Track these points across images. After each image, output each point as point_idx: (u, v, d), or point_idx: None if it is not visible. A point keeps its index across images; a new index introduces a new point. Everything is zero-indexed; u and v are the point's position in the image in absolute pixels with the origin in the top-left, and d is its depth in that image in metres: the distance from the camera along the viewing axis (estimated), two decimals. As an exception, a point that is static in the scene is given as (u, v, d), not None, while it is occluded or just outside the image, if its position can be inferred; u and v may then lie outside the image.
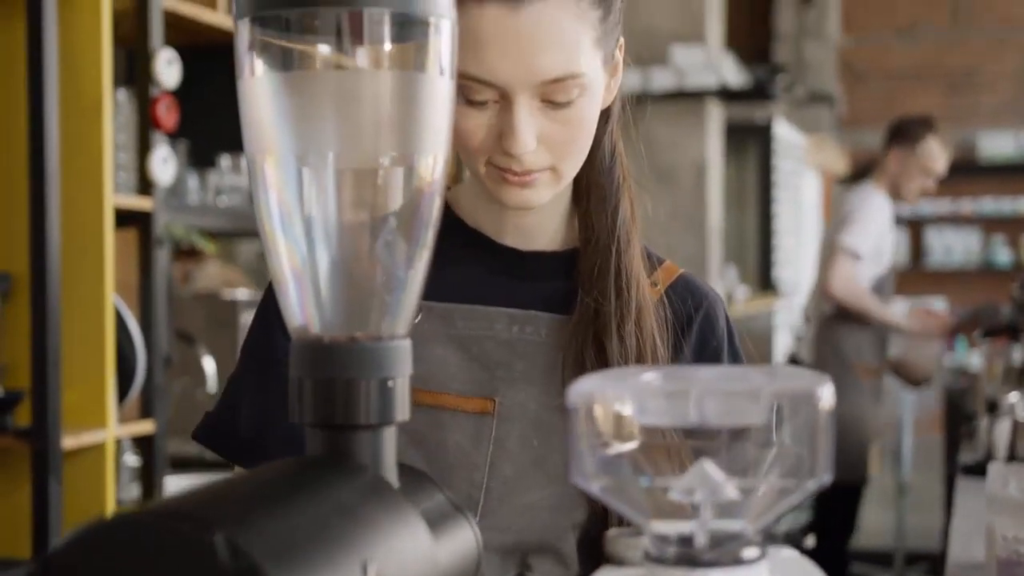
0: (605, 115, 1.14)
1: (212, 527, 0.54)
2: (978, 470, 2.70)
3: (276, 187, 0.71)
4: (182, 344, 2.86)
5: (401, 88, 0.72)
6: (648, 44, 5.28)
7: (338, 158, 0.71)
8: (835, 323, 3.97)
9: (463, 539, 0.74)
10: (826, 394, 0.61)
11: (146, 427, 2.60)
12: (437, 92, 0.72)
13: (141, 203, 2.54)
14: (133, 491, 2.83)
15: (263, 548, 0.55)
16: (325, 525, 0.61)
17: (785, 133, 6.72)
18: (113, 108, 2.47)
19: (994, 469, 1.77)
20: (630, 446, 0.65)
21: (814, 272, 8.09)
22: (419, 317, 1.05)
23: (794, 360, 4.40)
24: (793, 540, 4.49)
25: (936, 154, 3.80)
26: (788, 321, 6.66)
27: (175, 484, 2.68)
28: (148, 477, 2.66)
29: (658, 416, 0.63)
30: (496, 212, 1.13)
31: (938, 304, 9.49)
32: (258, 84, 0.71)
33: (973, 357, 7.95)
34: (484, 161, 1.05)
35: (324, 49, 0.84)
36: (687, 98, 5.21)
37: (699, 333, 1.13)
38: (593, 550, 1.07)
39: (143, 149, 2.54)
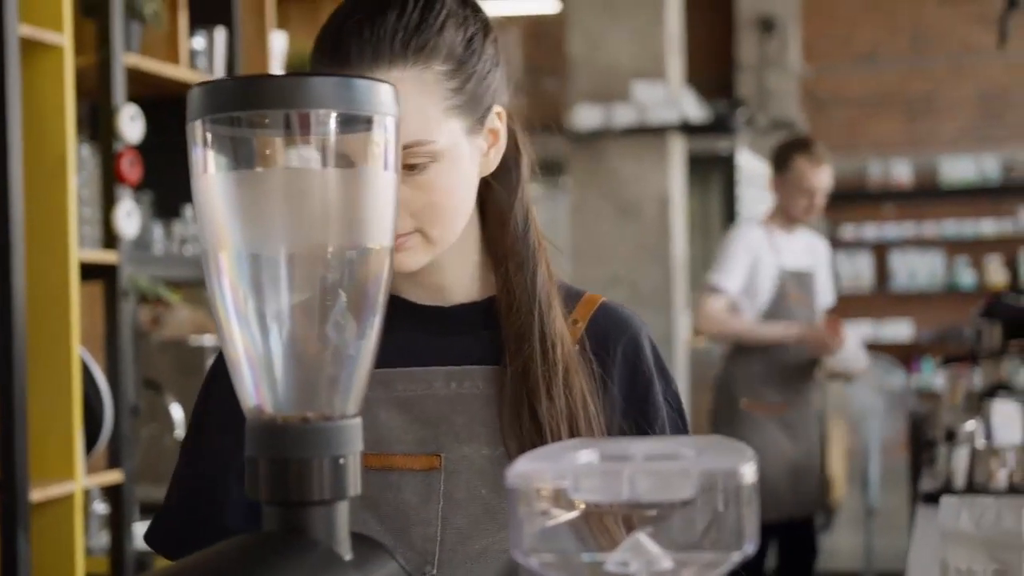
0: (511, 184, 1.18)
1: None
2: (937, 498, 2.74)
3: (230, 277, 0.75)
4: (149, 392, 2.88)
5: (347, 183, 0.76)
6: (610, 81, 5.36)
7: (289, 250, 0.75)
8: (727, 364, 3.95)
9: (413, 609, 0.78)
10: (748, 471, 0.65)
11: (114, 476, 2.62)
12: (382, 185, 0.76)
13: (106, 256, 2.57)
14: (103, 539, 2.84)
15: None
16: (277, 608, 0.64)
17: (748, 163, 6.81)
18: (77, 163, 2.50)
19: (946, 503, 1.80)
20: (568, 520, 0.68)
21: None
22: None
23: None
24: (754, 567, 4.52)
25: (806, 172, 3.79)
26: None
27: (144, 531, 2.69)
28: (117, 525, 2.68)
29: (593, 493, 0.67)
30: (409, 277, 1.16)
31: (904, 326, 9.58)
32: (212, 182, 0.75)
33: (937, 379, 8.04)
34: None
35: (274, 147, 0.89)
36: (649, 133, 5.29)
37: (625, 364, 1.16)
38: None
39: (107, 203, 2.57)
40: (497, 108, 1.14)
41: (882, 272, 9.65)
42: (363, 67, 1.05)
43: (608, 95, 5.34)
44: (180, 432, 2.84)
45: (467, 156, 1.11)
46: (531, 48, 9.72)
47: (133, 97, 2.65)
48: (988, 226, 9.38)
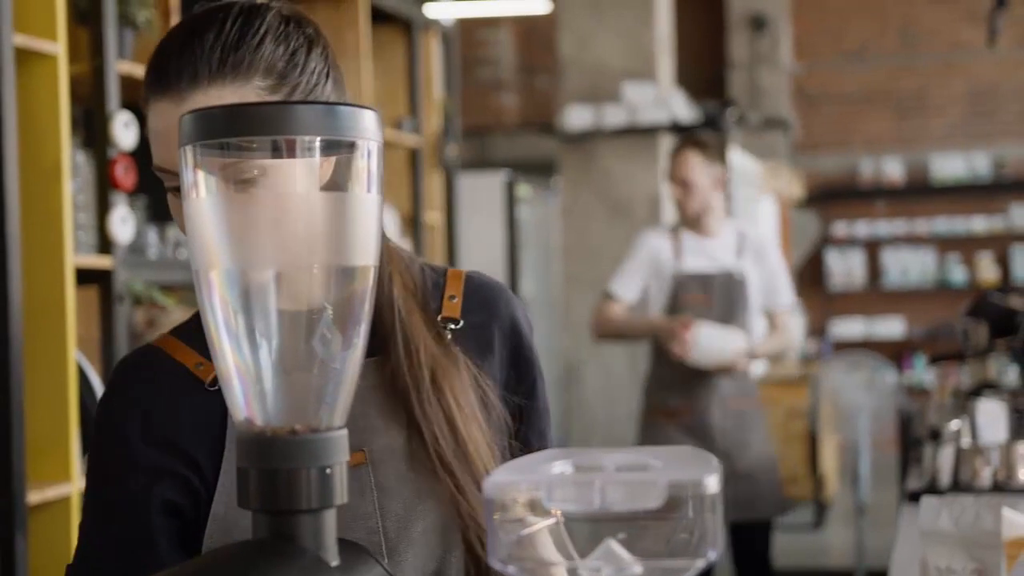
0: None
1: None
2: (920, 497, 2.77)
3: (220, 295, 0.79)
4: (145, 394, 2.91)
5: (332, 205, 0.80)
6: (600, 81, 5.40)
7: (277, 269, 0.79)
8: (647, 377, 3.94)
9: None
10: (713, 481, 0.69)
11: (111, 478, 2.65)
12: (366, 206, 0.80)
13: (101, 262, 2.60)
14: (99, 541, 2.87)
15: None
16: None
17: (739, 161, 6.84)
18: (72, 170, 2.53)
19: (926, 503, 1.83)
20: (541, 528, 0.72)
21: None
22: None
23: None
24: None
25: (672, 162, 3.83)
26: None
27: None
28: (114, 527, 2.71)
29: (566, 503, 0.70)
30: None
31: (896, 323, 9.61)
32: (203, 204, 0.78)
33: (928, 376, 8.09)
34: None
35: (262, 171, 0.92)
36: (640, 133, 5.33)
37: (505, 325, 1.23)
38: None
39: (102, 209, 2.60)
40: None
41: (874, 269, 9.70)
42: (182, 86, 1.06)
43: (599, 96, 5.38)
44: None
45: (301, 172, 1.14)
46: (523, 47, 9.75)
47: (127, 104, 2.68)
48: (979, 223, 9.43)
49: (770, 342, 3.94)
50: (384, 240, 1.19)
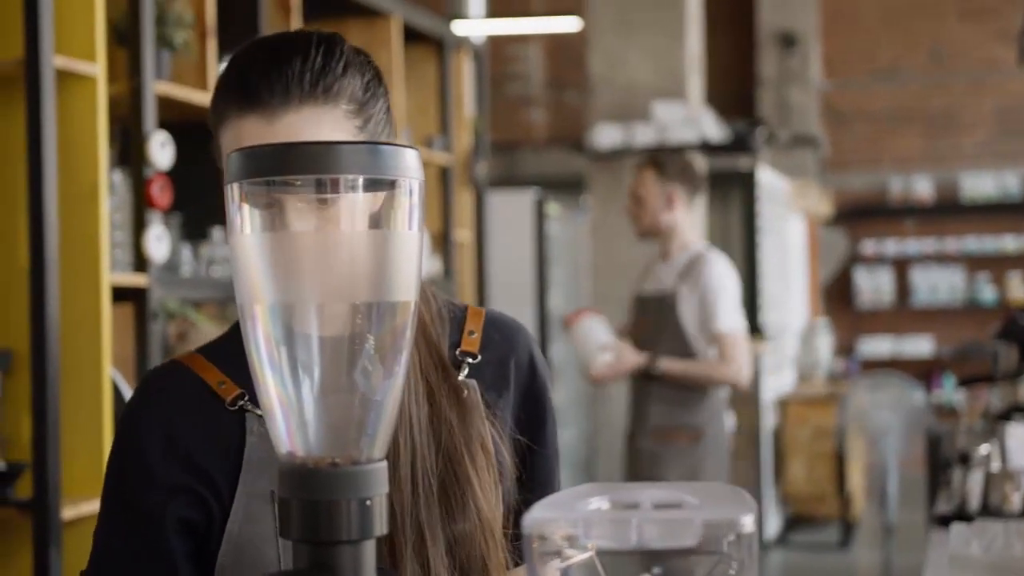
0: None
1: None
2: (949, 522, 2.76)
3: (264, 329, 0.80)
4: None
5: (375, 242, 0.81)
6: (630, 100, 5.41)
7: (320, 304, 0.80)
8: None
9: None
10: (748, 520, 0.70)
11: (143, 494, 2.67)
12: (407, 243, 0.81)
13: (136, 280, 2.63)
14: (131, 555, 2.89)
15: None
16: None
17: (768, 179, 6.84)
18: (109, 189, 2.56)
19: (956, 530, 1.84)
20: (580, 561, 0.73)
21: (798, 318, 8.10)
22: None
23: None
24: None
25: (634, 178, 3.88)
26: (775, 364, 6.75)
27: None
28: (145, 542, 2.73)
29: (603, 540, 0.72)
30: None
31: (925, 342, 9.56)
32: (248, 240, 0.80)
33: (957, 395, 8.04)
34: None
35: (306, 209, 0.94)
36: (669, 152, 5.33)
37: (523, 363, 1.24)
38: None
39: (138, 228, 2.64)
40: None
41: (903, 288, 9.65)
42: (275, 103, 1.09)
43: (628, 114, 5.39)
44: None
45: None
46: (552, 62, 9.78)
47: (163, 124, 2.71)
48: (1009, 242, 9.38)
49: (693, 365, 3.66)
50: None
